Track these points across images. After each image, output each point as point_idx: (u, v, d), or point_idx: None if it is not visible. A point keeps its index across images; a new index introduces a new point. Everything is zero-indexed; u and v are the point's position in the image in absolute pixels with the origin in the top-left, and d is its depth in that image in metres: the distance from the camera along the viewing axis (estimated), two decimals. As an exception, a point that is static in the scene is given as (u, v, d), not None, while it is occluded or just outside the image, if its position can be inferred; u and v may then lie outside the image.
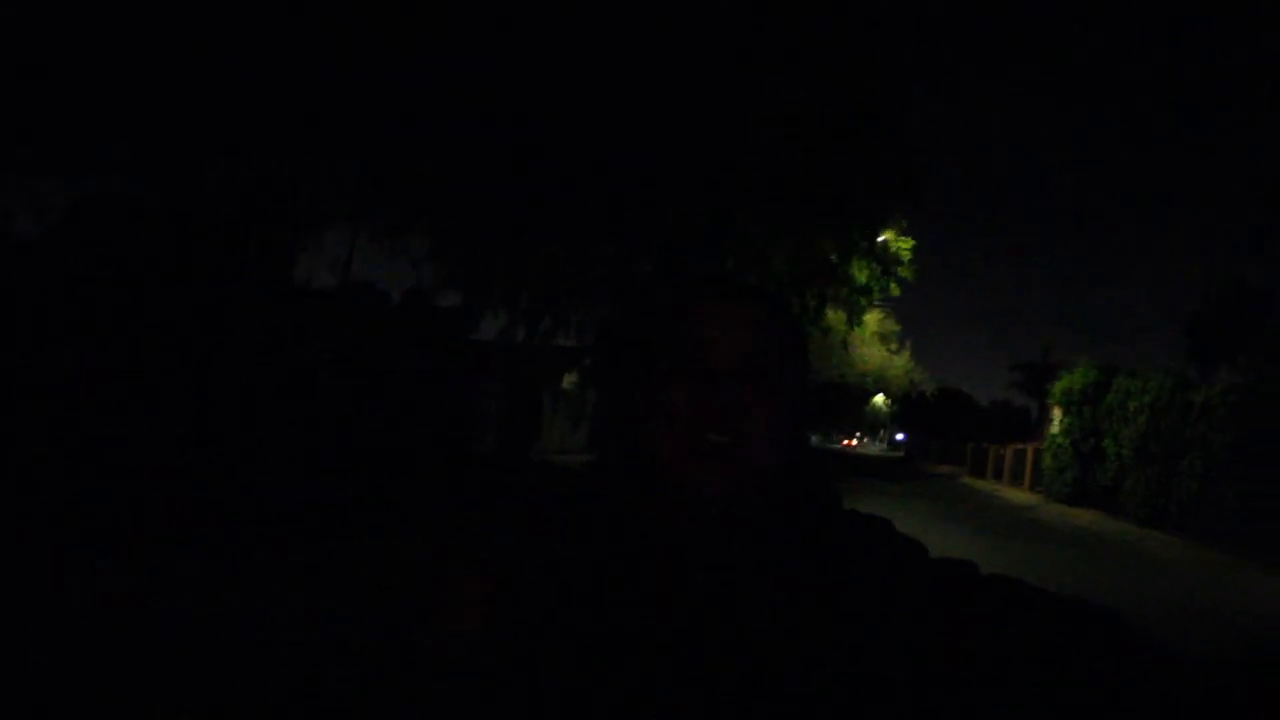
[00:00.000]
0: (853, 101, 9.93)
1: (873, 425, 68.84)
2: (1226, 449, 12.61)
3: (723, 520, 0.71)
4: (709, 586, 0.67)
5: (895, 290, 15.99)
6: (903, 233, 16.20)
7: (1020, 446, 24.14)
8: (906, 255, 15.80)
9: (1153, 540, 13.08)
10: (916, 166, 12.33)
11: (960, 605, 0.62)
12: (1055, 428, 19.52)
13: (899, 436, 62.89)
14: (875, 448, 71.14)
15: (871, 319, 22.34)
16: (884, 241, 15.77)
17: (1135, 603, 7.31)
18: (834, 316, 16.39)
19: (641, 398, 0.73)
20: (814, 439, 67.62)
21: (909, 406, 53.31)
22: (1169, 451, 14.09)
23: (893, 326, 28.00)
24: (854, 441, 75.26)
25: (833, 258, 12.91)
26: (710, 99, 9.00)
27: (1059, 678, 0.55)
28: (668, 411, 0.70)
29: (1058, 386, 19.46)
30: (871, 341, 25.92)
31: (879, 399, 43.66)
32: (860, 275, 14.20)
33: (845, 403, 36.67)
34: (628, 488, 0.74)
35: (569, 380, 21.46)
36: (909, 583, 0.66)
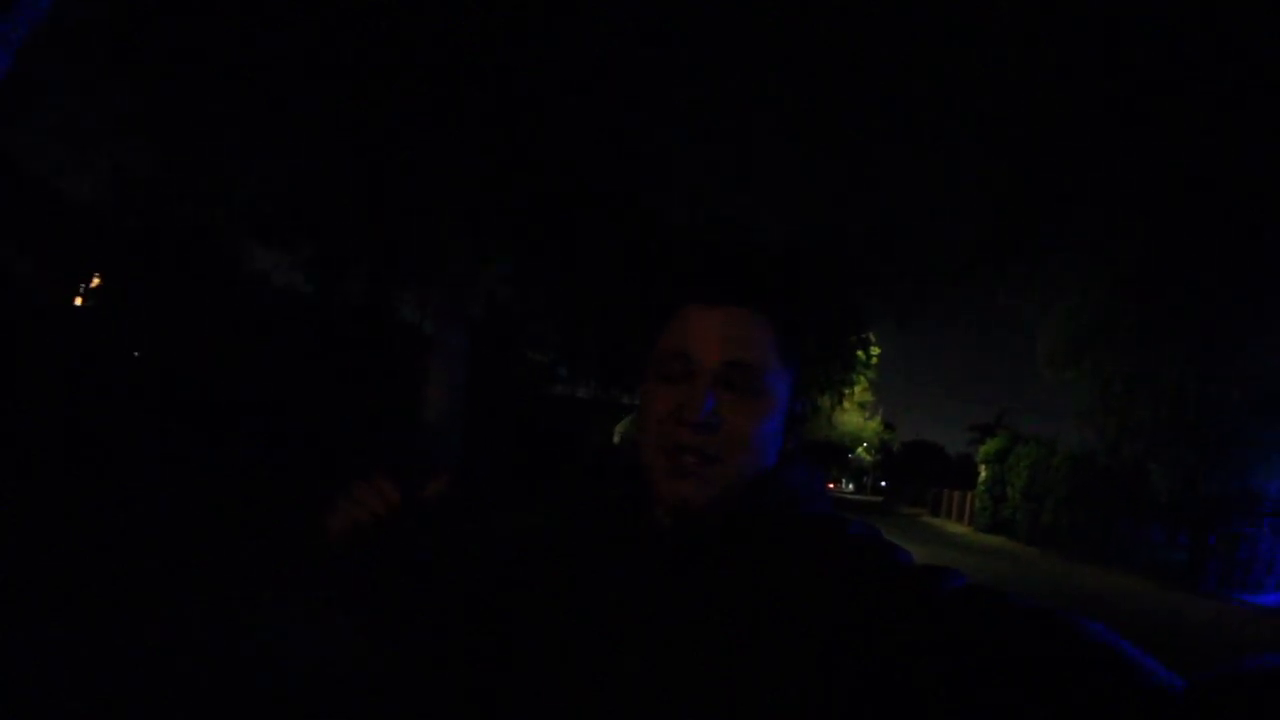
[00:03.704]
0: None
1: (856, 472, 76.40)
2: (1065, 494, 20.28)
3: (704, 527, 0.70)
4: (679, 594, 0.67)
5: (862, 383, 23.73)
6: (872, 342, 24.01)
7: (963, 492, 31.74)
8: (874, 360, 23.58)
9: (1024, 551, 20.59)
10: (859, 313, 19.93)
11: (950, 606, 0.58)
12: (981, 478, 27.16)
13: (883, 483, 70.87)
14: (848, 490, 78.59)
15: (850, 392, 30.18)
16: (860, 343, 23.52)
17: (989, 574, 14.73)
18: (823, 399, 24.06)
19: (640, 409, 0.76)
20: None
21: (887, 458, 61.26)
22: (1039, 495, 21.75)
23: (868, 397, 35.91)
24: (834, 485, 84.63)
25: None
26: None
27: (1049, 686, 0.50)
28: (651, 419, 0.72)
29: (982, 449, 27.24)
30: (851, 410, 33.65)
31: (861, 450, 51.51)
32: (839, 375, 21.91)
33: (830, 455, 44.46)
34: (632, 495, 0.77)
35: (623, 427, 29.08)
36: (901, 583, 0.62)
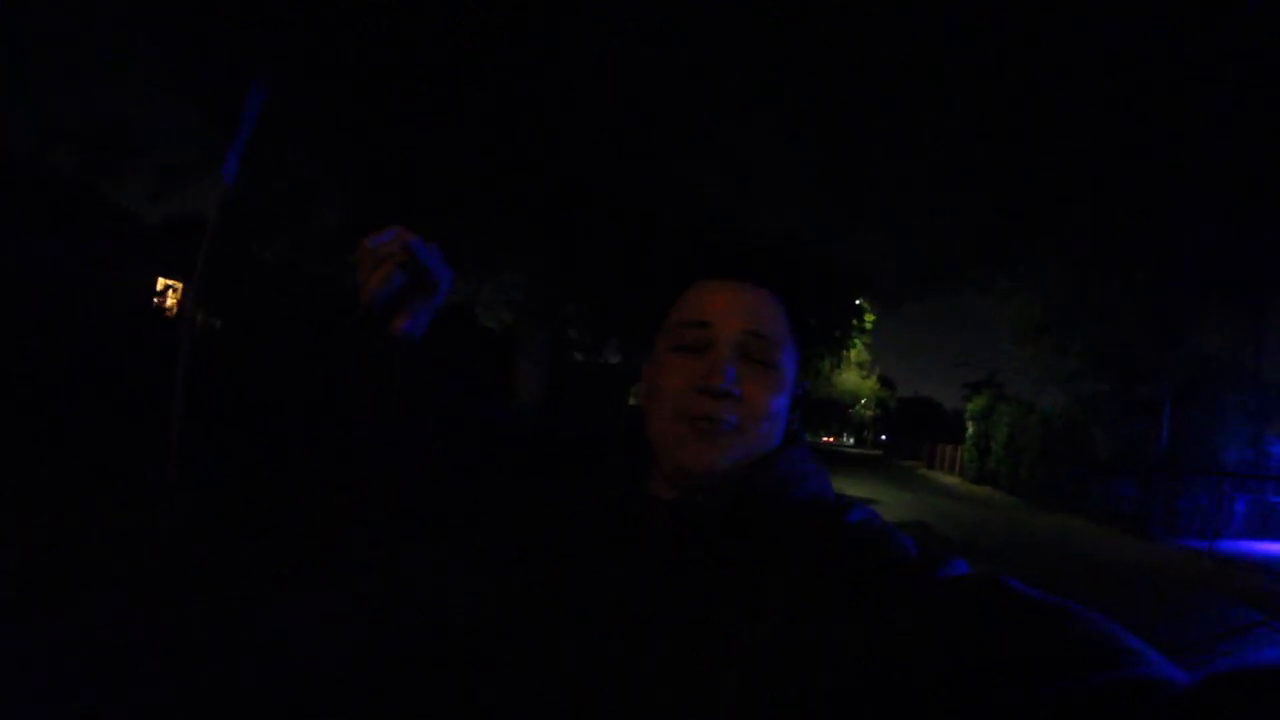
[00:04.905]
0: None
1: (857, 427, 78.76)
2: (1040, 449, 22.18)
3: (712, 502, 0.70)
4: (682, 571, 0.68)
5: (858, 346, 25.48)
6: (867, 310, 25.69)
7: (954, 446, 33.74)
8: (869, 326, 25.26)
9: (1004, 500, 22.57)
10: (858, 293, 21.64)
11: (949, 600, 0.58)
12: (969, 433, 29.10)
13: (883, 437, 73.09)
14: (849, 444, 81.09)
15: (848, 354, 32.06)
16: (858, 308, 25.24)
17: (971, 518, 16.63)
18: (823, 363, 25.87)
19: (649, 379, 0.78)
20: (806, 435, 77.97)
21: (886, 413, 63.32)
22: (1018, 450, 23.67)
23: (865, 357, 37.82)
24: (834, 439, 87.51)
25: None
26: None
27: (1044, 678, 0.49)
28: (664, 389, 0.74)
29: (970, 406, 29.11)
30: (849, 369, 35.59)
31: (859, 406, 53.65)
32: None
33: (831, 411, 46.56)
34: (631, 494, 0.77)
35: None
36: (899, 579, 0.62)
